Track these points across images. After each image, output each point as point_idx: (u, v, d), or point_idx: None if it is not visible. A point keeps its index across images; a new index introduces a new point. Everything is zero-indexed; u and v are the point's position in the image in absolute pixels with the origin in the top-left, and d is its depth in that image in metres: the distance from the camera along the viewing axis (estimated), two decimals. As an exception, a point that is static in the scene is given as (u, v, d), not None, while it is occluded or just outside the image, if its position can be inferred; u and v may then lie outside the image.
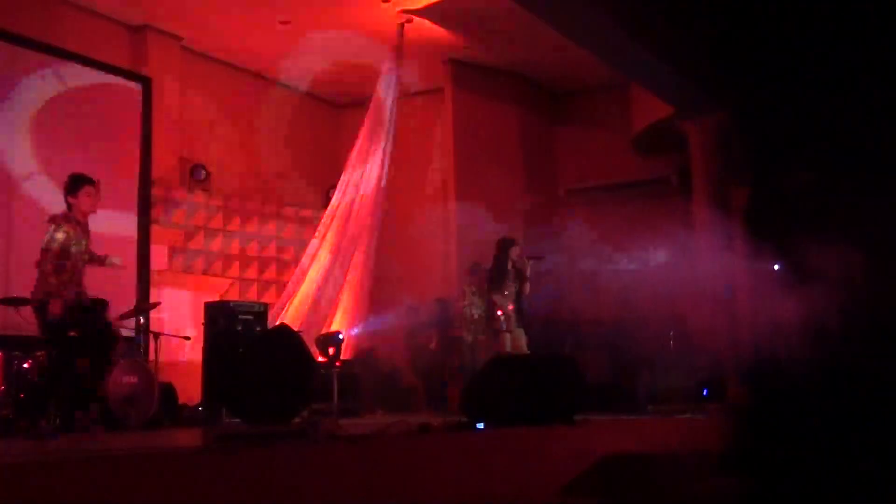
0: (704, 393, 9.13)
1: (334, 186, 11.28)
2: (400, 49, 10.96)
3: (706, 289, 10.13)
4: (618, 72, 10.88)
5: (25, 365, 7.11)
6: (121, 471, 3.41)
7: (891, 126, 10.02)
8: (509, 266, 8.34)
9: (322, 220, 10.95)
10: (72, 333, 5.88)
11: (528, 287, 8.40)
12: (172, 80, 11.09)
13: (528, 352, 8.50)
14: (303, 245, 11.46)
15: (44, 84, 9.12)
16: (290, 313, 10.33)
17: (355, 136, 11.17)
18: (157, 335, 7.98)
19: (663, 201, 12.12)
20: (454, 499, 4.62)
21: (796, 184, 10.97)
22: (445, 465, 4.76)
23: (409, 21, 10.92)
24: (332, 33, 11.28)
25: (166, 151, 10.80)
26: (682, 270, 10.09)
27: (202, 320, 8.85)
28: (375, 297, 11.31)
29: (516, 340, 8.32)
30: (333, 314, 10.77)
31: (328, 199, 11.58)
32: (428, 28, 11.24)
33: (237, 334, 8.56)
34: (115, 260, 6.65)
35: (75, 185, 6.03)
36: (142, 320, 8.55)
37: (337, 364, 9.42)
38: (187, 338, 8.90)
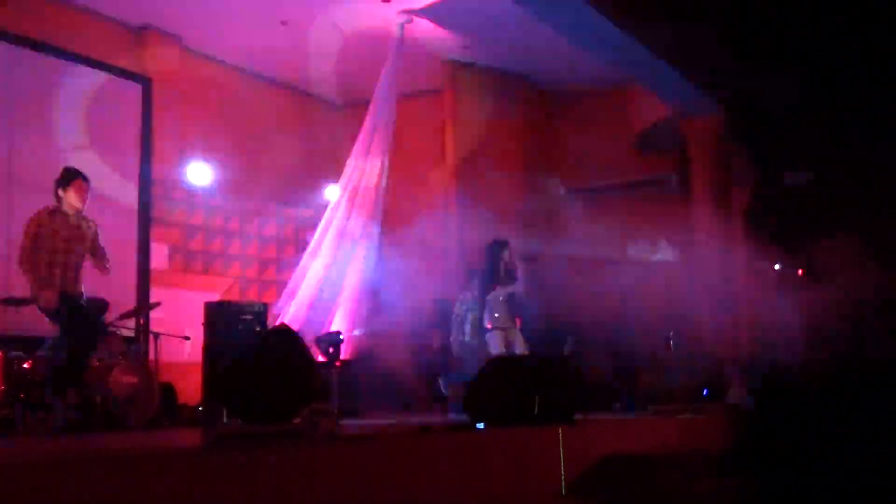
0: (704, 393, 9.14)
1: (334, 186, 11.27)
2: (400, 49, 10.95)
3: (706, 289, 10.14)
4: (618, 72, 10.88)
5: (25, 365, 7.12)
6: (121, 471, 3.41)
7: (890, 126, 10.03)
8: (501, 267, 8.36)
9: (322, 220, 10.95)
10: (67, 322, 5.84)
11: (520, 287, 8.41)
12: (172, 80, 11.09)
13: (525, 352, 8.49)
14: (303, 245, 11.46)
15: (44, 84, 9.12)
16: (290, 313, 10.33)
17: (355, 136, 11.16)
18: (157, 335, 7.99)
19: (663, 201, 12.11)
20: (454, 499, 4.62)
21: (796, 184, 10.98)
22: (445, 465, 4.76)
23: (409, 21, 10.92)
24: (332, 33, 11.29)
25: (166, 151, 10.81)
26: (682, 270, 10.09)
27: (202, 320, 8.85)
28: (375, 297, 11.30)
29: (511, 341, 8.32)
30: (333, 314, 10.77)
31: (328, 199, 11.58)
32: (428, 28, 11.24)
33: (237, 334, 8.57)
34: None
35: (66, 178, 6.01)
36: (142, 320, 8.57)
37: (337, 364, 9.43)
38: (187, 338, 8.90)
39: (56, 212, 5.88)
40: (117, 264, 9.07)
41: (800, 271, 10.19)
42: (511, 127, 12.92)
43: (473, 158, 12.31)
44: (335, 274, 10.71)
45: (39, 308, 5.88)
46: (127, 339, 7.95)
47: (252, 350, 5.02)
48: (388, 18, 10.89)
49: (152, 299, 9.24)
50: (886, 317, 9.05)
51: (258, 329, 8.73)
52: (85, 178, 6.06)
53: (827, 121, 10.38)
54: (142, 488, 3.37)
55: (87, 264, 6.68)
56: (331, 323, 10.66)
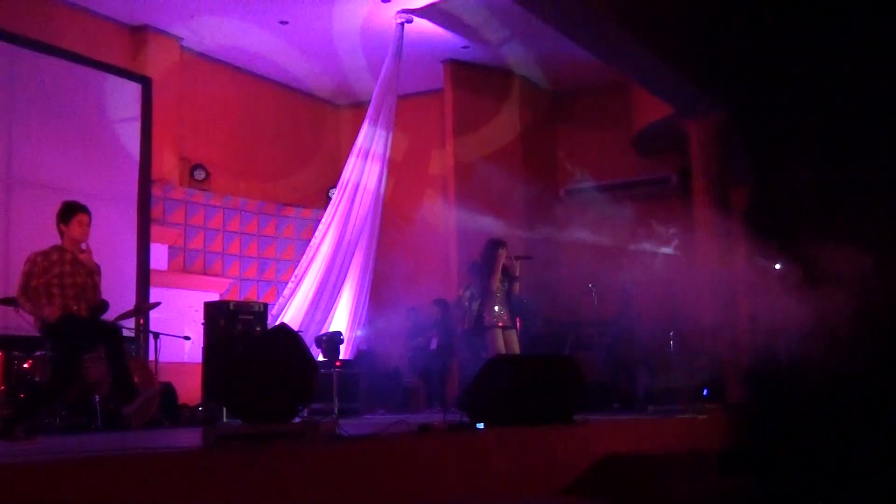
0: (704, 393, 9.13)
1: (334, 186, 11.28)
2: (399, 49, 10.96)
3: (706, 288, 10.13)
4: (618, 71, 10.88)
5: (25, 365, 7.13)
6: (121, 471, 3.41)
7: (890, 125, 10.02)
8: (499, 266, 8.36)
9: (322, 220, 10.95)
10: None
11: (518, 287, 8.41)
12: (172, 80, 11.09)
13: (519, 353, 8.49)
14: (303, 245, 11.46)
15: (44, 84, 9.12)
16: (290, 313, 10.33)
17: (355, 136, 11.17)
18: (157, 335, 7.99)
19: (663, 201, 12.11)
20: (454, 499, 4.62)
21: (796, 183, 10.97)
22: (445, 465, 4.76)
23: (409, 21, 10.93)
24: (332, 33, 11.29)
25: (166, 151, 10.81)
26: (682, 270, 10.08)
27: (202, 320, 8.86)
28: (375, 297, 11.31)
29: (509, 340, 8.32)
30: (333, 314, 10.77)
31: (328, 199, 11.58)
32: (427, 28, 11.24)
33: (237, 334, 8.57)
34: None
35: (67, 213, 5.90)
36: (142, 320, 8.57)
37: (337, 364, 9.43)
38: (187, 338, 8.91)
39: (52, 251, 5.81)
40: (117, 264, 9.10)
41: (800, 272, 10.18)
42: (511, 127, 12.92)
43: (473, 158, 12.31)
44: (335, 274, 10.71)
45: (42, 326, 5.85)
46: (127, 339, 7.95)
47: (252, 350, 5.00)
48: (387, 18, 10.89)
49: (152, 299, 9.23)
50: (886, 316, 9.05)
51: (258, 329, 8.72)
52: (86, 211, 5.97)
53: (827, 121, 10.37)
54: (142, 488, 3.37)
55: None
56: (331, 323, 10.67)
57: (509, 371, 6.11)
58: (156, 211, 10.52)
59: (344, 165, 11.16)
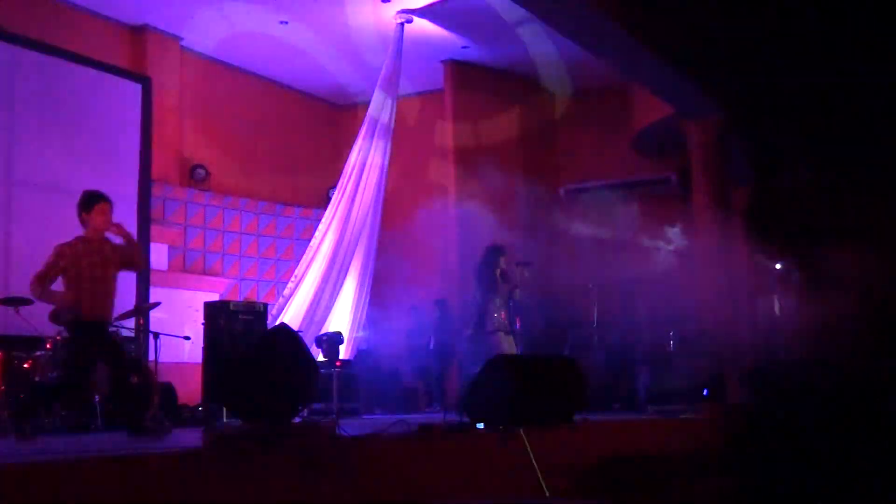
0: (704, 393, 9.12)
1: (334, 186, 11.28)
2: (399, 49, 10.96)
3: (706, 288, 10.13)
4: (618, 72, 10.88)
5: (25, 365, 7.12)
6: (121, 471, 3.41)
7: (890, 125, 10.02)
8: (497, 273, 8.39)
9: (322, 220, 10.95)
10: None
11: (517, 293, 8.44)
12: (172, 80, 11.09)
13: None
14: (303, 245, 11.46)
15: (44, 84, 9.11)
16: (290, 313, 10.33)
17: (355, 136, 11.17)
18: (156, 335, 7.98)
19: (663, 201, 12.11)
20: (454, 499, 4.62)
21: (796, 183, 10.98)
22: (445, 465, 4.76)
23: (409, 21, 10.93)
24: (332, 33, 11.29)
25: (166, 151, 10.81)
26: (682, 270, 10.09)
27: (202, 320, 8.85)
28: (375, 297, 11.31)
29: (509, 346, 8.34)
30: (333, 314, 10.77)
31: (328, 199, 11.58)
32: (427, 28, 11.24)
33: (237, 334, 8.56)
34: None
35: (89, 202, 5.88)
36: (142, 320, 8.56)
37: (337, 364, 9.43)
38: (187, 338, 8.90)
39: (76, 242, 5.77)
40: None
41: (800, 272, 10.19)
42: (511, 127, 12.92)
43: (473, 158, 12.31)
44: (335, 274, 10.70)
45: (56, 316, 5.81)
46: (127, 339, 7.95)
47: (252, 350, 5.01)
48: (387, 18, 10.89)
49: (152, 299, 9.23)
50: (886, 316, 9.05)
51: (258, 329, 8.72)
52: (108, 200, 5.96)
53: (827, 121, 10.37)
54: (142, 488, 3.37)
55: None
56: (331, 323, 10.67)
57: (509, 371, 6.11)
58: (156, 211, 10.52)
59: (344, 165, 11.16)
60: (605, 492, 5.55)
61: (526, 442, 5.38)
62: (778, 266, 10.34)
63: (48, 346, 7.06)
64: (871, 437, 8.03)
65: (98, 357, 5.82)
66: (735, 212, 11.14)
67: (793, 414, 8.65)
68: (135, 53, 10.91)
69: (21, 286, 7.73)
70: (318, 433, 4.45)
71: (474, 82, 12.70)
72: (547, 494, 5.22)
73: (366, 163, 10.94)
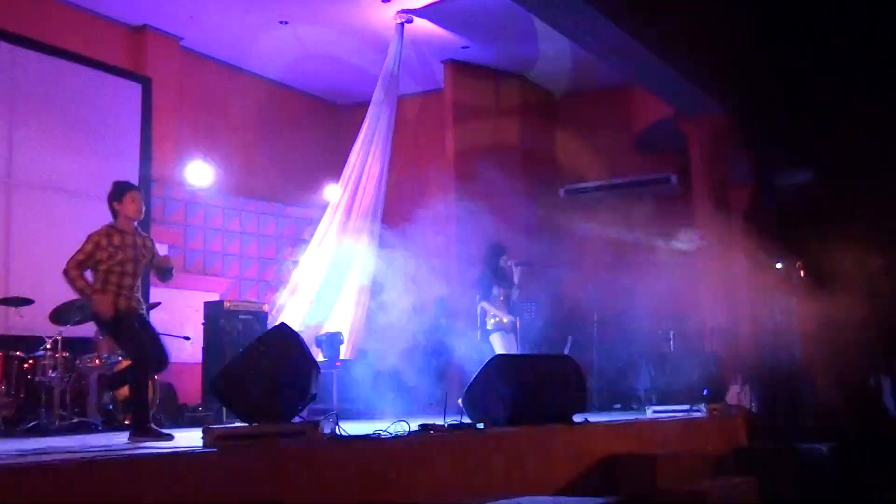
0: (704, 393, 9.12)
1: (334, 186, 11.27)
2: (399, 49, 10.95)
3: (706, 288, 10.13)
4: (618, 72, 10.88)
5: (26, 365, 7.13)
6: (121, 471, 3.41)
7: (890, 125, 10.02)
8: (497, 273, 8.41)
9: (322, 220, 10.95)
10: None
11: (516, 293, 8.45)
12: (172, 80, 11.09)
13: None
14: (303, 245, 11.45)
15: (44, 84, 9.12)
16: (290, 313, 10.32)
17: (355, 136, 11.16)
18: (156, 335, 7.96)
19: (663, 201, 12.11)
20: (454, 499, 4.62)
21: (796, 183, 10.97)
22: (445, 465, 4.76)
23: (409, 21, 10.92)
24: (332, 33, 11.29)
25: (166, 151, 10.80)
26: (682, 270, 10.08)
27: (202, 320, 8.85)
28: (375, 298, 11.29)
29: (509, 345, 8.35)
30: (333, 314, 10.76)
31: (328, 199, 11.58)
32: (427, 28, 11.23)
33: (237, 334, 8.57)
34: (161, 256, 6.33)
35: (120, 191, 5.84)
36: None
37: (337, 364, 9.43)
38: (187, 338, 8.90)
39: (112, 232, 5.72)
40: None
41: (801, 272, 10.18)
42: (511, 127, 12.92)
43: (473, 158, 12.30)
44: (335, 274, 10.70)
45: (92, 314, 5.74)
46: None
47: (252, 350, 5.00)
48: (387, 18, 10.89)
49: (152, 299, 9.23)
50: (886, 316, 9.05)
51: (258, 329, 8.73)
52: (138, 189, 5.92)
53: (827, 121, 10.37)
54: (142, 488, 3.37)
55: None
56: (331, 323, 10.66)
57: (509, 371, 6.11)
58: (156, 211, 10.52)
59: (344, 165, 11.16)
60: (605, 492, 5.55)
61: (526, 442, 5.39)
62: (778, 266, 10.33)
63: (48, 346, 7.07)
64: (872, 437, 8.03)
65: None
66: (735, 212, 11.14)
67: (794, 414, 8.66)
68: (135, 53, 10.89)
69: (21, 286, 7.75)
70: (318, 433, 4.45)
71: (474, 82, 12.69)
72: (547, 494, 5.22)
73: (366, 163, 10.93)
